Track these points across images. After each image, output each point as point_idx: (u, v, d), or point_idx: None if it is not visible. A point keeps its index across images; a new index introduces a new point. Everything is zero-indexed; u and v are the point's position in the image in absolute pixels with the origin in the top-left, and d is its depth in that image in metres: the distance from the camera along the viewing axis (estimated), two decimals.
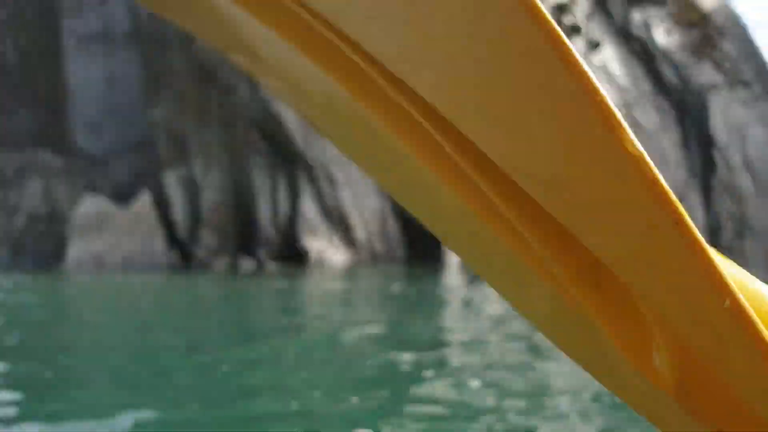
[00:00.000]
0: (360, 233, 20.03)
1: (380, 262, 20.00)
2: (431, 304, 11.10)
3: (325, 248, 19.81)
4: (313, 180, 20.14)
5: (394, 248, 20.39)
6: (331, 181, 20.00)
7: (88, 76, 29.03)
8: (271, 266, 19.69)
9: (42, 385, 5.09)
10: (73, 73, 28.62)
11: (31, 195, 26.53)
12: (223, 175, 22.07)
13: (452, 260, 18.82)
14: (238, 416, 4.14)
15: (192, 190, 22.33)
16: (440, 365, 5.77)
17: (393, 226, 20.52)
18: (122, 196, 26.35)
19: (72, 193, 26.65)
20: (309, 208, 20.07)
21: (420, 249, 20.10)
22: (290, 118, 19.99)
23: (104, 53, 29.53)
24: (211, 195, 21.79)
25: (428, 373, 5.45)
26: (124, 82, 29.74)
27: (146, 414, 4.18)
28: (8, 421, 4.03)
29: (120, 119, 29.50)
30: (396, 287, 13.80)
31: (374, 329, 7.88)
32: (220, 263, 20.06)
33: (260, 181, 20.75)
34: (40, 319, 9.58)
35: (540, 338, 6.88)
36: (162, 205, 22.69)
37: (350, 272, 18.02)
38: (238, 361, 5.99)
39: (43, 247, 24.71)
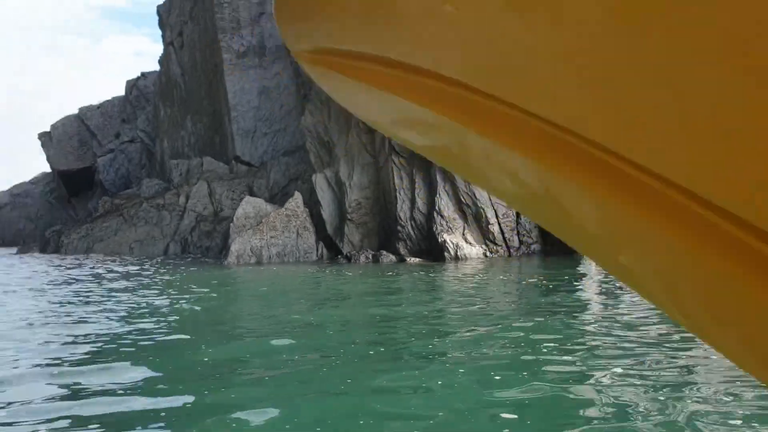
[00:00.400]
0: (495, 228, 20.69)
1: (516, 255, 20.54)
2: (567, 296, 11.07)
3: (461, 243, 20.65)
4: (448, 177, 21.05)
5: (530, 242, 20.84)
6: (466, 178, 20.80)
7: (244, 88, 31.70)
8: (411, 260, 20.81)
9: (218, 375, 5.30)
10: (231, 87, 31.37)
11: (198, 198, 29.44)
12: (366, 175, 23.53)
13: None
14: (382, 412, 4.17)
15: (338, 190, 23.98)
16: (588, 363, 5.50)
17: (528, 220, 20.99)
18: (277, 197, 28.67)
19: (233, 195, 29.35)
20: (446, 204, 20.99)
21: (556, 240, 20.43)
22: None
23: (258, 67, 32.09)
24: (354, 194, 23.31)
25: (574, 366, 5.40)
26: (277, 93, 32.22)
27: (311, 405, 4.27)
28: (190, 411, 4.13)
29: (273, 127, 32.01)
30: (532, 279, 14.04)
31: (515, 322, 7.78)
32: (363, 257, 21.47)
33: (399, 180, 21.95)
34: (211, 307, 10.89)
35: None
36: (312, 204, 24.56)
37: (486, 265, 18.67)
38: (388, 353, 6.30)
39: (209, 243, 27.47)
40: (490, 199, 20.82)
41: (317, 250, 23.20)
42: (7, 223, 46.16)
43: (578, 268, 16.86)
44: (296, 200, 23.76)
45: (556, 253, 20.12)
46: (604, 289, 11.69)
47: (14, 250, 31.90)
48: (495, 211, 20.80)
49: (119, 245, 28.02)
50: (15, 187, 48.44)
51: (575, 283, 13.26)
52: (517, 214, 20.96)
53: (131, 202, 30.51)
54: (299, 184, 28.37)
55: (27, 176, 50.15)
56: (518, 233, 20.90)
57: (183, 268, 19.59)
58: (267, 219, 23.00)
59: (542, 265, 18.32)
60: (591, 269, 16.47)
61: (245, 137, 31.30)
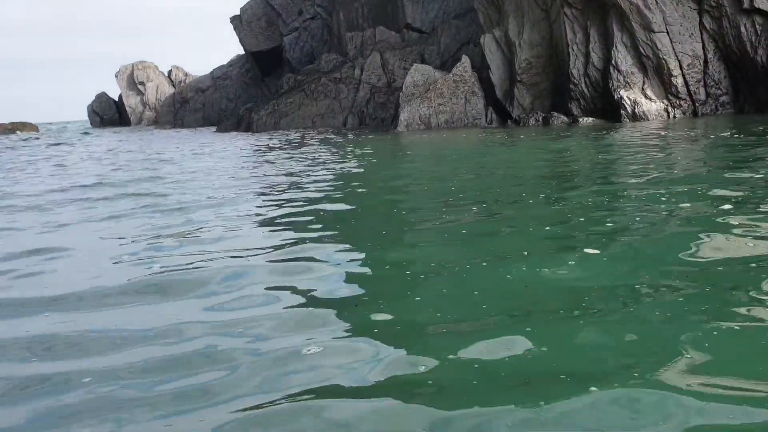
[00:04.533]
0: (678, 80, 18.75)
1: (703, 111, 18.62)
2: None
3: (640, 99, 19.06)
4: (626, 27, 19.19)
5: (719, 95, 18.70)
6: (647, 27, 18.84)
7: None
8: (584, 120, 19.70)
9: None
10: None
11: (372, 69, 29.77)
12: (537, 32, 22.15)
13: None
14: None
15: (507, 51, 22.92)
16: None
17: (718, 70, 18.73)
18: (448, 62, 28.13)
19: (405, 64, 29.25)
20: (623, 57, 19.30)
21: (751, 94, 18.15)
22: None
23: None
24: (525, 54, 22.16)
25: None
26: None
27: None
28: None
29: None
30: (724, 138, 12.28)
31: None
32: (533, 120, 20.68)
33: (572, 35, 20.44)
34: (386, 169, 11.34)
35: None
36: (482, 68, 23.80)
37: (669, 123, 17.18)
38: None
39: (383, 114, 27.98)
40: (674, 48, 18.79)
41: (486, 115, 22.72)
42: (211, 104, 50.24)
43: None
44: (464, 65, 23.16)
45: (750, 107, 17.92)
46: None
47: (214, 129, 34.85)
48: (679, 61, 18.78)
49: (303, 119, 29.46)
50: (216, 69, 52.17)
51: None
52: (705, 63, 18.77)
53: (311, 77, 31.61)
54: (470, 47, 27.49)
55: (225, 60, 53.71)
56: (705, 84, 18.79)
57: (359, 138, 20.18)
58: (434, 86, 22.77)
59: (733, 121, 16.45)
60: None
61: (415, 2, 30.64)
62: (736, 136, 12.09)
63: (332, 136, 21.16)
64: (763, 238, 4.17)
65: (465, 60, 23.29)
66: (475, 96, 22.78)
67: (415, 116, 22.53)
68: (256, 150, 17.24)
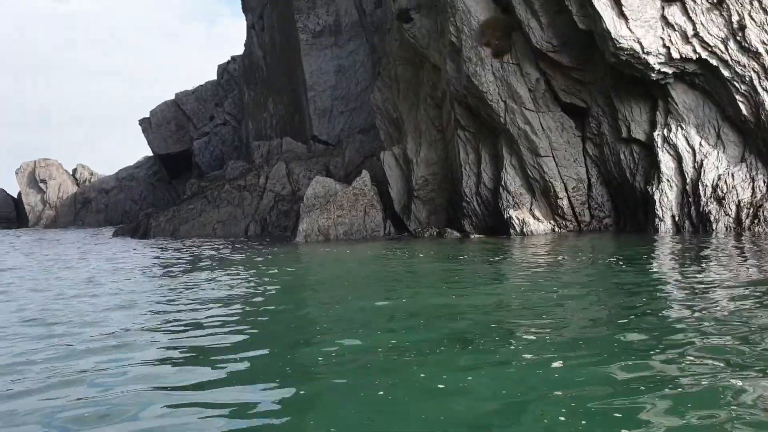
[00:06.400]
0: (564, 202, 19.67)
1: (587, 231, 19.47)
2: (637, 270, 10.40)
3: (528, 219, 19.80)
4: (515, 150, 20.18)
5: (603, 217, 19.68)
6: (534, 151, 19.87)
7: (321, 68, 31.78)
8: (474, 236, 20.19)
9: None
10: (307, 67, 31.52)
11: (277, 178, 29.95)
12: (433, 151, 22.99)
13: (662, 226, 17.71)
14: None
15: (405, 168, 23.61)
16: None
17: (601, 193, 19.81)
18: (352, 175, 28.64)
19: (311, 173, 29.61)
20: (512, 179, 20.16)
21: (630, 215, 19.19)
22: (491, 90, 20.21)
23: (334, 45, 32.02)
24: (421, 171, 22.86)
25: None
26: (352, 71, 32.11)
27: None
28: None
29: (349, 106, 31.98)
30: (601, 255, 13.17)
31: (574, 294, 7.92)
32: (428, 234, 21.06)
33: (465, 155, 21.29)
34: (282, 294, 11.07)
35: None
36: (380, 182, 24.33)
37: (554, 241, 17.78)
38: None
39: (286, 222, 27.93)
40: (560, 173, 19.81)
41: (384, 227, 23.01)
42: (114, 205, 49.09)
43: (651, 242, 15.71)
44: (363, 179, 23.62)
45: (630, 229, 18.91)
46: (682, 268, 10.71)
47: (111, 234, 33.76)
48: (564, 184, 19.77)
49: (203, 226, 28.99)
50: (122, 170, 51.35)
51: (642, 255, 12.15)
52: (589, 186, 19.83)
53: (216, 183, 31.47)
54: (374, 161, 28.20)
55: (132, 161, 52.96)
56: (589, 207, 19.78)
57: (261, 248, 19.85)
58: (335, 198, 23.01)
59: (612, 239, 17.25)
60: (664, 243, 15.31)
61: (322, 117, 31.48)
62: (613, 259, 12.61)
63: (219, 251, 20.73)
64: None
65: (365, 174, 23.78)
66: (374, 209, 23.12)
67: (314, 227, 22.55)
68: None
